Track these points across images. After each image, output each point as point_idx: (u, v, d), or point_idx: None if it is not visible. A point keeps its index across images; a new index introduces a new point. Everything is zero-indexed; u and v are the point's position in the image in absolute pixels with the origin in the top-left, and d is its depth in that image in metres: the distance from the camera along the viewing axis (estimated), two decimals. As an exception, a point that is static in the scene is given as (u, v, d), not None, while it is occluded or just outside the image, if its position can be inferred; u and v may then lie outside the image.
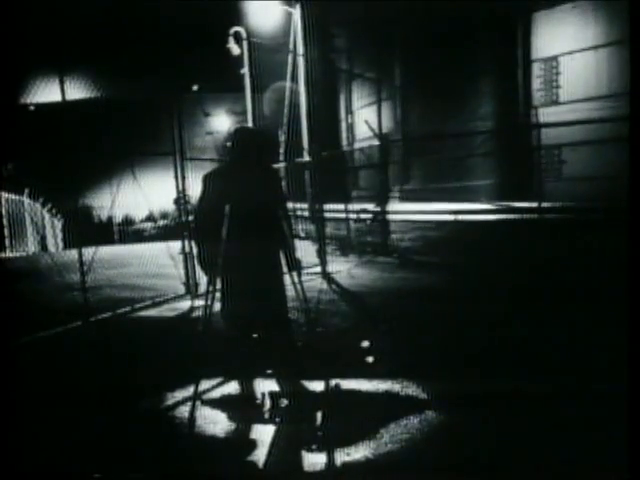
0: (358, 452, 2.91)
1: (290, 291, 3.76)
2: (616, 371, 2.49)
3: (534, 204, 9.31)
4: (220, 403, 3.63)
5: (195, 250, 3.87)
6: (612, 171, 5.77)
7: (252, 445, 3.08)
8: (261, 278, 3.49)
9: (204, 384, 3.81)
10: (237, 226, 3.40)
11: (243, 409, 3.53)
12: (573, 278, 5.99)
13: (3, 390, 3.88)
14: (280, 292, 3.63)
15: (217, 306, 3.61)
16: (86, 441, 3.18)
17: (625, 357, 2.03)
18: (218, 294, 3.60)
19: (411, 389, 3.65)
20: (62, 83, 5.91)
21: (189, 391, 3.74)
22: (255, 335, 3.70)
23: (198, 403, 3.59)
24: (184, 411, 3.53)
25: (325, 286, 7.02)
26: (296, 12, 9.40)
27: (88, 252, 6.14)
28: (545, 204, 9.26)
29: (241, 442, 3.17)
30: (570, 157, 11.17)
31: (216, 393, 3.80)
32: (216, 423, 3.36)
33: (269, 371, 3.83)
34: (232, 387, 3.82)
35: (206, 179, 3.54)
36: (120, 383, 3.96)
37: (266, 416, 3.42)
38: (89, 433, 3.26)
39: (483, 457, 2.82)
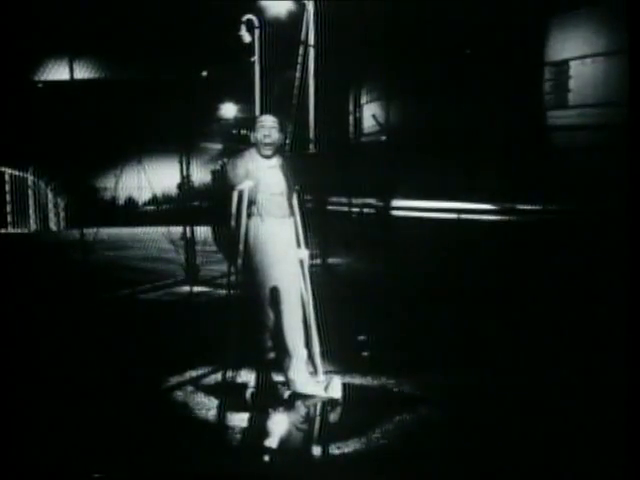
0: (356, 449, 2.91)
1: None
2: (619, 371, 2.49)
3: (536, 206, 9.29)
4: (218, 392, 3.60)
5: (211, 234, 3.83)
6: (615, 172, 5.75)
7: (248, 437, 3.07)
8: (276, 264, 3.49)
9: (201, 370, 3.81)
10: (257, 211, 3.45)
11: (239, 399, 3.51)
12: (574, 278, 5.98)
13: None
14: (295, 279, 3.61)
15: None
16: (80, 429, 3.14)
17: (624, 357, 2.03)
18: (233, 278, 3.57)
19: (407, 386, 3.66)
20: (71, 62, 5.90)
21: (185, 377, 3.75)
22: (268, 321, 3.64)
23: (194, 390, 3.59)
24: (180, 397, 3.53)
25: (325, 279, 7.01)
26: (310, 3, 9.35)
27: (89, 233, 6.15)
28: (549, 206, 9.24)
29: (236, 434, 3.15)
30: (576, 159, 11.13)
31: (211, 380, 3.79)
32: (209, 409, 3.35)
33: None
34: (230, 375, 3.81)
35: (226, 164, 3.60)
36: (117, 367, 3.97)
37: (261, 407, 3.40)
38: (84, 420, 3.23)
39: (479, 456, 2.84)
